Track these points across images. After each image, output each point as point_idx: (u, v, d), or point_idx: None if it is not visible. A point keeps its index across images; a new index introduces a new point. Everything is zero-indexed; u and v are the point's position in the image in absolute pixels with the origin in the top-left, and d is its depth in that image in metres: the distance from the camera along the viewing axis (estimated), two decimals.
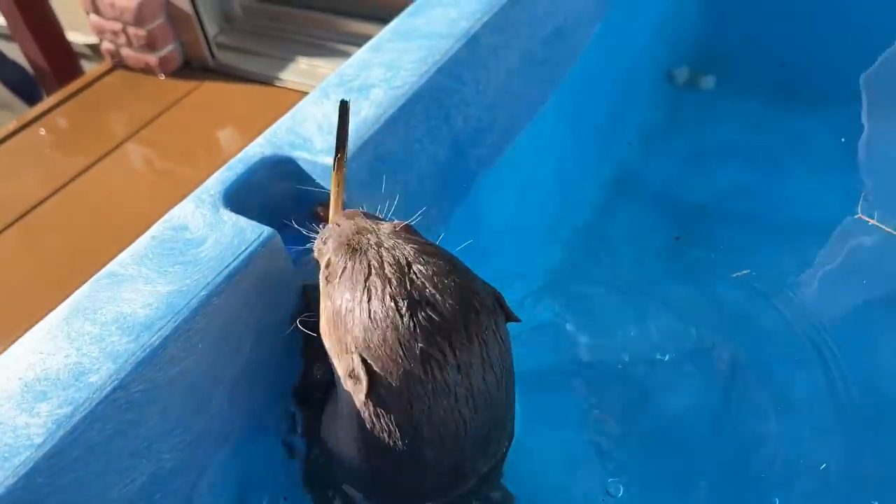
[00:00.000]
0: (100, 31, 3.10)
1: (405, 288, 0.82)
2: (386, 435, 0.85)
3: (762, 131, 1.82)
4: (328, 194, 0.98)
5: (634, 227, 1.57)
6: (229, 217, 0.99)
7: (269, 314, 1.00)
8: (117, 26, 3.03)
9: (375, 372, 0.82)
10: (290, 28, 3.00)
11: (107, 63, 3.25)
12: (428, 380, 0.82)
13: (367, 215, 0.92)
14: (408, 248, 0.85)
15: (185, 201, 1.03)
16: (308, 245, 0.95)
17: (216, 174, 1.05)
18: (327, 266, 0.87)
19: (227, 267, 0.93)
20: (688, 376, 1.38)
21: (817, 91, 1.78)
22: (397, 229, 0.88)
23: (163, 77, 3.19)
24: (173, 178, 2.83)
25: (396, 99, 1.13)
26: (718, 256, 1.52)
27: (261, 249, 0.96)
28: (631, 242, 1.58)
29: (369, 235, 0.87)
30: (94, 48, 3.38)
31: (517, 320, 0.89)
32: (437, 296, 0.82)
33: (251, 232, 0.97)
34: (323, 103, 1.14)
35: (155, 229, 0.99)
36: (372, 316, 0.82)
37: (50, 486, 0.79)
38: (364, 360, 0.82)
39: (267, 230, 0.97)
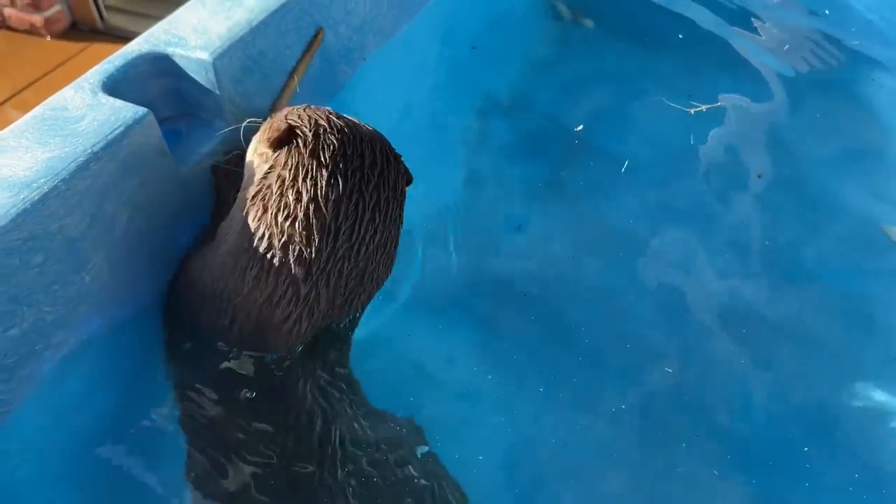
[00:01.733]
0: None
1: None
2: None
3: (627, 65, 2.09)
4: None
5: (507, 138, 1.77)
6: (107, 100, 1.12)
7: (144, 191, 1.13)
8: None
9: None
10: None
11: None
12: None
13: None
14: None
15: (64, 89, 1.14)
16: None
17: (96, 66, 1.17)
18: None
19: (104, 138, 1.05)
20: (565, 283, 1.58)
21: (666, 35, 2.06)
22: None
23: (49, 38, 3.20)
24: None
25: (268, 6, 1.27)
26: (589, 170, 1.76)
27: (136, 126, 1.09)
28: (504, 153, 1.78)
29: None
30: None
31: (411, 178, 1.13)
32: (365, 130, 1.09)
33: (127, 110, 1.10)
34: (198, 10, 1.27)
35: (35, 110, 1.11)
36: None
37: None
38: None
39: (142, 110, 1.10)
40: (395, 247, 1.12)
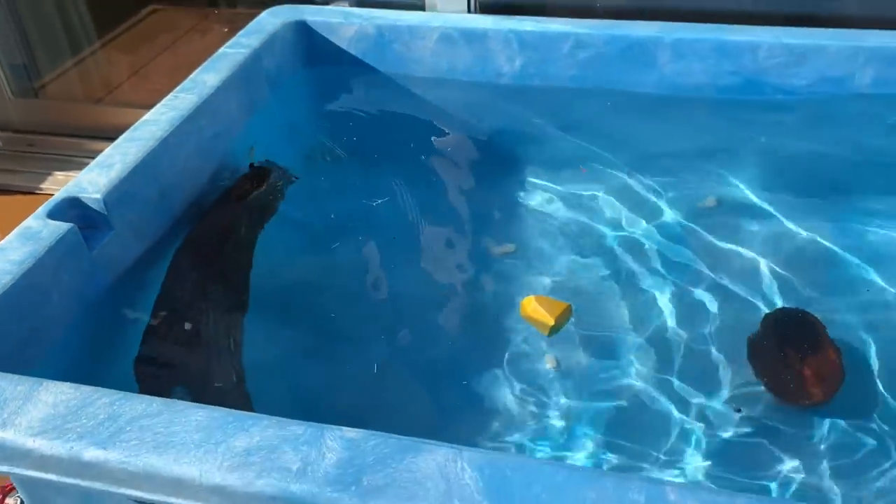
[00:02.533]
0: None
1: None
2: None
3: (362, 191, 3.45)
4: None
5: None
6: (52, 222, 2.32)
7: (74, 264, 2.33)
8: None
9: None
10: (45, 150, 4.25)
11: None
12: None
13: None
14: None
15: (28, 219, 2.34)
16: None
17: (43, 205, 2.38)
18: None
19: (56, 238, 2.25)
20: None
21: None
22: None
23: None
24: None
25: (126, 168, 2.53)
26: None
27: (70, 231, 2.30)
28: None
29: None
30: None
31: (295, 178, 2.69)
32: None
33: (64, 225, 2.31)
34: (90, 173, 2.51)
35: (17, 230, 2.29)
36: None
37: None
38: None
39: (70, 224, 2.31)
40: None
